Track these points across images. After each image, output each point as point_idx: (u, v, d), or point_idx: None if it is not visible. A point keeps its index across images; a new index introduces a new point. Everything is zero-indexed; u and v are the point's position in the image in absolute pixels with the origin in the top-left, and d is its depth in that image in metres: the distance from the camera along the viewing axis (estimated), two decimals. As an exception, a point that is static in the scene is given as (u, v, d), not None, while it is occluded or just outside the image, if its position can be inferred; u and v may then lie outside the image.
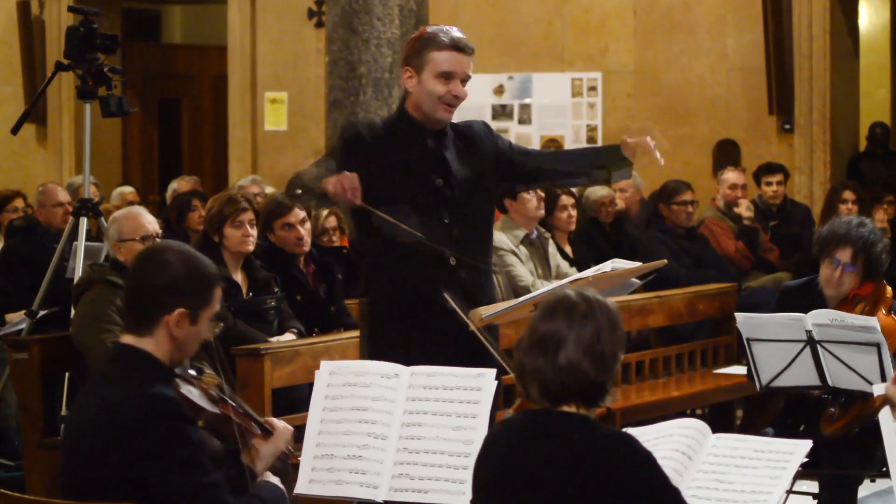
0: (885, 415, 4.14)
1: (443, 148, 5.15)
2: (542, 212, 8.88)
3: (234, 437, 4.07)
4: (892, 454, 4.11)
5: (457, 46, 5.10)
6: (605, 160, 5.19)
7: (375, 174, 5.02)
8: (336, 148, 5.25)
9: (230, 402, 4.09)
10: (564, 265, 8.98)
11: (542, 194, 8.66)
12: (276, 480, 4.14)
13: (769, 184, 10.85)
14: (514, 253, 8.65)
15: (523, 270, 8.59)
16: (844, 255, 5.84)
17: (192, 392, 3.98)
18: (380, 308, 5.17)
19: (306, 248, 7.45)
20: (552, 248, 8.99)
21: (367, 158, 5.06)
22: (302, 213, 7.42)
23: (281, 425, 4.20)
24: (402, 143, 5.13)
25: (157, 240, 6.45)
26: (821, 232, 6.04)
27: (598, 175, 5.29)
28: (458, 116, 5.29)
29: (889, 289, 5.90)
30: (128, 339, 3.94)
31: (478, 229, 5.23)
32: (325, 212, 8.18)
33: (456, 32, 5.16)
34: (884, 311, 5.78)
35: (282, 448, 4.17)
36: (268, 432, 4.16)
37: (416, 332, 5.01)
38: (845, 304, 5.86)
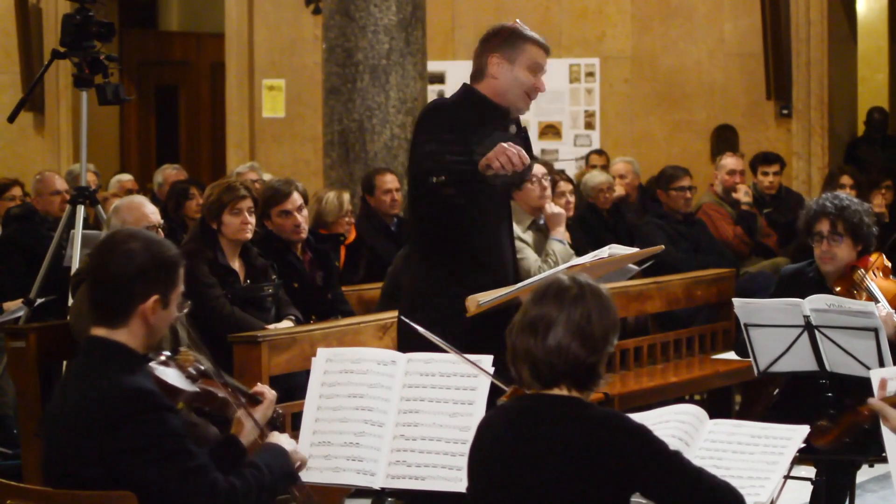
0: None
1: (520, 136, 5.25)
2: (544, 201, 8.84)
3: (217, 411, 4.05)
4: (893, 455, 4.11)
5: (546, 48, 5.32)
6: None
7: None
8: (438, 119, 5.21)
9: (211, 375, 4.06)
10: (564, 251, 8.96)
11: (546, 185, 8.60)
12: (283, 440, 4.09)
13: (766, 174, 10.82)
14: (519, 238, 8.61)
15: (529, 253, 8.56)
16: (823, 226, 5.92)
17: (168, 374, 3.93)
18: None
19: (303, 234, 7.43)
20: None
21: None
22: (299, 200, 7.40)
23: (266, 389, 4.18)
24: (488, 123, 5.16)
25: (160, 230, 6.42)
26: (800, 217, 6.12)
27: None
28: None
29: (884, 258, 5.95)
30: (99, 331, 3.88)
31: None
32: (347, 195, 8.32)
33: None
34: (881, 275, 5.85)
35: (269, 414, 4.14)
36: (256, 401, 4.14)
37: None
38: (844, 279, 5.88)
